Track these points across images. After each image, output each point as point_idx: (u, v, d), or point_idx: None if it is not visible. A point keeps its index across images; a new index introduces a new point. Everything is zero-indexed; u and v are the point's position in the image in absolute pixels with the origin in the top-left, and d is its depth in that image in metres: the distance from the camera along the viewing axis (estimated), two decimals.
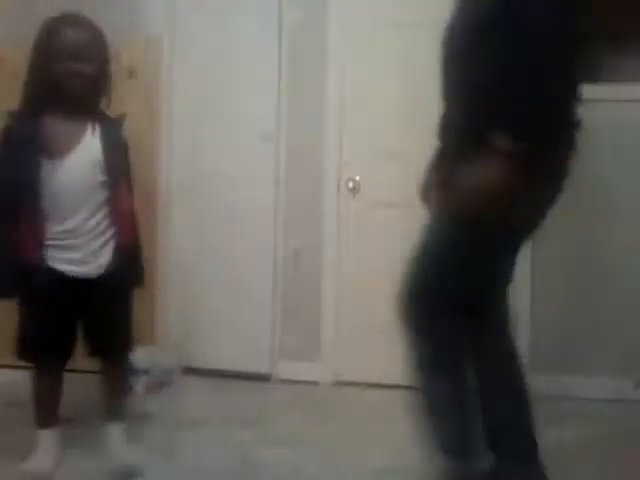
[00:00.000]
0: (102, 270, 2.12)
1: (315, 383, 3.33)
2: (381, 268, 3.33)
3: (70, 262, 2.09)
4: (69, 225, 2.08)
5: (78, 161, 2.07)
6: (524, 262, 3.14)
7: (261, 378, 3.37)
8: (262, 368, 3.39)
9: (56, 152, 2.04)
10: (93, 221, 2.10)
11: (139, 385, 3.04)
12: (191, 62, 2.86)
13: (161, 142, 3.49)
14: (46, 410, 2.19)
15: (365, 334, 3.33)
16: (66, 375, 3.28)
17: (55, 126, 2.06)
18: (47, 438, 2.17)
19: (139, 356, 2.84)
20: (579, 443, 2.55)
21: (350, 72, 3.35)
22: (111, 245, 2.13)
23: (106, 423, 2.22)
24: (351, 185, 3.35)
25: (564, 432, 2.67)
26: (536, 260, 3.13)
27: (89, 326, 2.17)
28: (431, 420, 1.82)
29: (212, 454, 2.37)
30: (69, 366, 3.40)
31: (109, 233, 2.13)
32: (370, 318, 3.32)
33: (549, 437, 2.61)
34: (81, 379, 3.22)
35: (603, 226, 3.13)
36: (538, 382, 3.07)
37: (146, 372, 3.11)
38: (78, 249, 2.09)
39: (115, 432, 2.20)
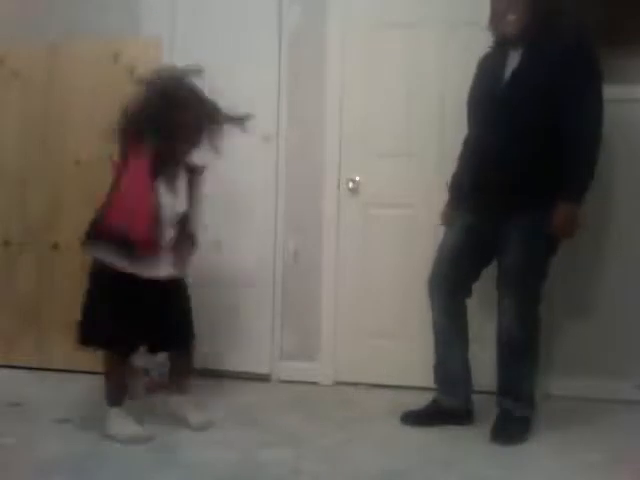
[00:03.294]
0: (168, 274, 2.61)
1: (315, 383, 3.33)
2: (381, 268, 3.34)
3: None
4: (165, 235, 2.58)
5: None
6: None
7: (261, 378, 3.37)
8: (262, 368, 3.40)
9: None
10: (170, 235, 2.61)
11: (139, 385, 3.04)
12: (191, 63, 2.87)
13: None
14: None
15: (365, 334, 3.34)
16: (66, 375, 3.31)
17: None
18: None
19: (139, 357, 2.84)
20: (579, 444, 2.55)
21: (350, 72, 3.35)
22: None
23: (175, 396, 2.70)
24: (351, 185, 3.35)
25: (565, 432, 2.67)
26: None
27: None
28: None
29: (212, 454, 2.37)
30: (69, 366, 3.41)
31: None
32: (370, 318, 3.33)
33: (550, 437, 2.63)
34: (81, 379, 3.24)
35: (604, 226, 3.13)
36: (539, 382, 3.10)
37: (146, 372, 3.11)
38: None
39: (184, 401, 2.69)
